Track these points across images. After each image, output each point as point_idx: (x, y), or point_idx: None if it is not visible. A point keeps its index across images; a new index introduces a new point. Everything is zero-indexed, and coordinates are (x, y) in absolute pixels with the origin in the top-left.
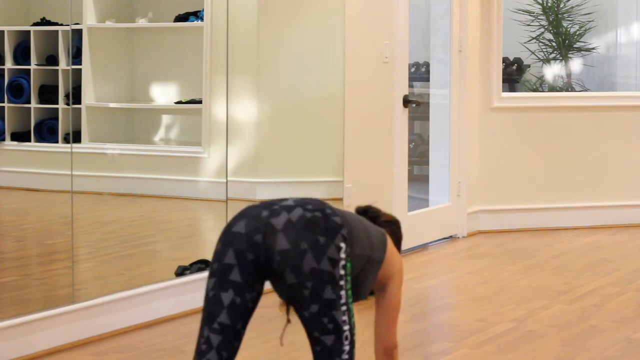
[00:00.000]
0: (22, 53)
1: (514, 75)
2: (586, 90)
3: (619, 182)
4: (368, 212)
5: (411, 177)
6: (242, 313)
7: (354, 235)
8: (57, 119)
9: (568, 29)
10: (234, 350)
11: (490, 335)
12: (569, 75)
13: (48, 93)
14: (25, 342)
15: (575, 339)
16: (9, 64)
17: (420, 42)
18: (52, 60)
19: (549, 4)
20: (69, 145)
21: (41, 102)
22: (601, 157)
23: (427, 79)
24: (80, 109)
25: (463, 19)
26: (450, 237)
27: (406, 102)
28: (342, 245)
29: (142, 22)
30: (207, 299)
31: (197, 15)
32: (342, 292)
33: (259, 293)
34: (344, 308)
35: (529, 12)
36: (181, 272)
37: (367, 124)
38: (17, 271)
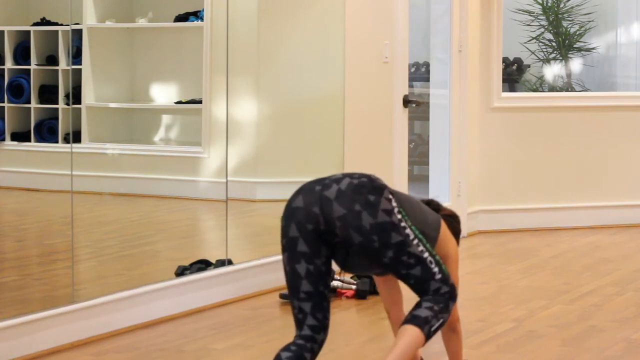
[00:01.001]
0: (22, 53)
1: (514, 75)
2: (586, 90)
3: (619, 182)
4: (431, 204)
5: (411, 177)
6: (319, 277)
7: (406, 208)
8: (57, 119)
9: (568, 29)
10: (326, 310)
11: (490, 335)
12: (569, 75)
13: (48, 93)
14: (25, 342)
15: (575, 339)
16: (9, 64)
17: (420, 42)
18: (52, 60)
19: (549, 4)
20: (69, 145)
21: (41, 102)
22: (601, 157)
23: (427, 79)
24: (80, 109)
25: (463, 19)
26: None
27: (406, 102)
28: (390, 197)
29: (142, 22)
30: (286, 273)
31: (197, 15)
32: (408, 231)
33: (327, 257)
34: (415, 242)
35: (529, 12)
36: (181, 272)
37: (367, 124)
38: (17, 271)
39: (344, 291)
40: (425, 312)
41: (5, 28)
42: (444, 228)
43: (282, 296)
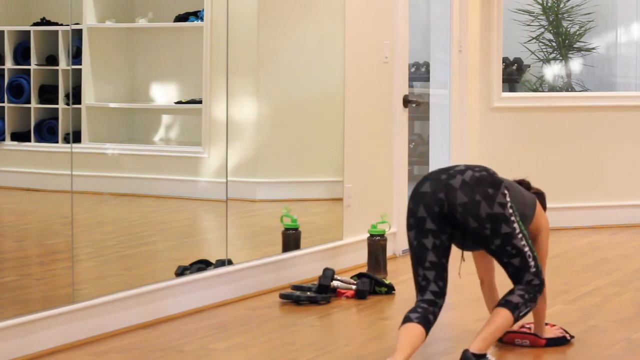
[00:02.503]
0: (22, 53)
1: (514, 75)
2: (586, 90)
3: (619, 182)
4: (523, 184)
5: (411, 177)
6: (443, 251)
7: (512, 194)
8: (57, 119)
9: (568, 29)
10: (445, 279)
11: None
12: (569, 75)
13: (48, 93)
14: (25, 342)
15: (575, 339)
16: (9, 64)
17: (420, 42)
18: (52, 60)
19: (549, 4)
20: (69, 145)
21: (41, 102)
22: (601, 157)
23: (427, 79)
24: (80, 109)
25: (463, 19)
26: None
27: (406, 102)
28: (505, 191)
29: (142, 22)
30: (413, 247)
31: (197, 15)
32: (515, 225)
33: (450, 234)
34: (520, 236)
35: (529, 12)
36: (181, 272)
37: (367, 124)
38: (17, 271)
39: (344, 291)
40: (517, 298)
41: (5, 28)
42: (538, 206)
43: (282, 296)
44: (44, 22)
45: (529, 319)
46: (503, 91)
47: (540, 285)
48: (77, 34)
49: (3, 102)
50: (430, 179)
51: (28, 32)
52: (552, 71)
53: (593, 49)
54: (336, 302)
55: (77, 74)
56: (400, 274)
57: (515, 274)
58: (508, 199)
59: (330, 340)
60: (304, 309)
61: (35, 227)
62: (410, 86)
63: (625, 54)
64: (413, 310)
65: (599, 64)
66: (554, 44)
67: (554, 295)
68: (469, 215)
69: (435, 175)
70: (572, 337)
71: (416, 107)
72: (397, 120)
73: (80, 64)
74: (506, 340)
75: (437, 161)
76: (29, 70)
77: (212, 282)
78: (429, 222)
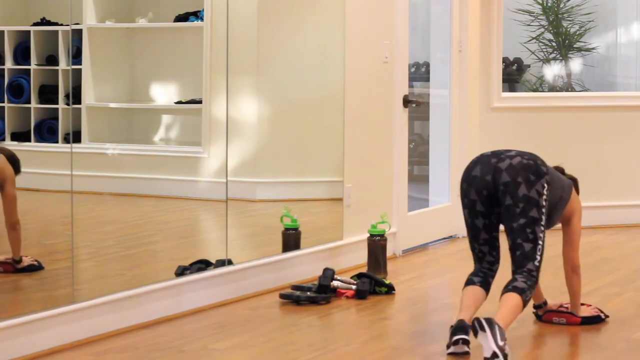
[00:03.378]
0: (22, 53)
1: (514, 75)
2: (586, 90)
3: (619, 182)
4: (558, 169)
5: (411, 177)
6: (493, 227)
7: (554, 180)
8: (57, 119)
9: (568, 29)
10: (498, 249)
11: None
12: (569, 75)
13: (48, 93)
14: (25, 342)
15: (575, 339)
16: (9, 64)
17: (420, 42)
18: (52, 60)
19: (549, 4)
20: (69, 145)
21: (41, 102)
22: (601, 157)
23: (427, 79)
24: (80, 109)
25: (463, 19)
26: (450, 237)
27: (406, 102)
28: (545, 184)
29: (142, 22)
30: (468, 224)
31: (197, 15)
32: (543, 216)
33: (498, 213)
34: (542, 227)
35: (529, 12)
36: (181, 272)
37: (367, 124)
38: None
39: (344, 291)
40: (522, 284)
41: (5, 28)
42: (573, 190)
43: (282, 296)
44: (44, 22)
45: (566, 299)
46: (503, 91)
47: (536, 279)
48: (77, 34)
49: (3, 102)
50: (480, 162)
51: (28, 32)
52: (552, 71)
53: (593, 49)
54: (336, 302)
55: (77, 74)
56: (400, 274)
57: (520, 259)
58: (546, 191)
59: (330, 340)
60: (304, 309)
61: (35, 227)
62: (410, 86)
63: (625, 54)
64: (475, 274)
65: (599, 64)
66: (554, 44)
67: (554, 295)
68: (507, 193)
69: (486, 159)
70: (607, 316)
71: (416, 107)
72: (397, 120)
73: (80, 64)
74: (545, 319)
75: (437, 161)
76: (29, 70)
77: (212, 282)
78: (479, 204)
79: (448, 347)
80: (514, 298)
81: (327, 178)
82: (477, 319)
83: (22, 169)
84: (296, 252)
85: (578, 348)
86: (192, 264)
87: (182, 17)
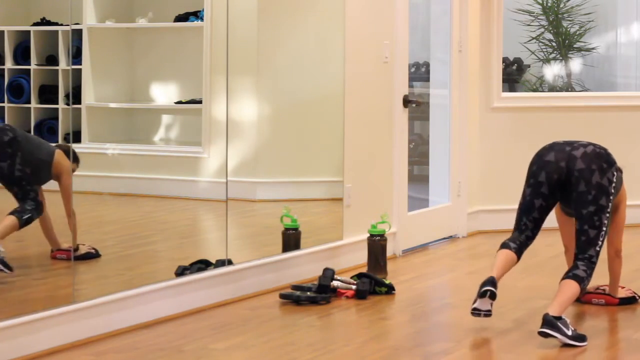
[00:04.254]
0: (22, 53)
1: (514, 75)
2: (586, 90)
3: None
4: None
5: (411, 177)
6: (546, 211)
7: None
8: (57, 119)
9: (568, 29)
10: (539, 229)
11: (490, 335)
12: (569, 75)
13: (48, 93)
14: (25, 342)
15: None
16: (9, 64)
17: (420, 42)
18: (52, 60)
19: (549, 4)
20: (68, 145)
21: (41, 102)
22: None
23: (427, 79)
24: (80, 109)
25: (463, 19)
26: (450, 237)
27: (406, 102)
28: (615, 173)
29: (142, 22)
30: (525, 199)
31: (197, 15)
32: (610, 203)
33: (554, 200)
34: (607, 215)
35: (529, 12)
36: (181, 272)
37: (367, 124)
38: (17, 271)
39: (344, 291)
40: (582, 273)
41: (5, 28)
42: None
43: (282, 296)
44: (44, 22)
45: (605, 281)
46: (503, 91)
47: (593, 269)
48: (77, 34)
49: (3, 102)
50: (555, 150)
51: (28, 32)
52: (552, 71)
53: (593, 49)
54: (336, 302)
55: (77, 74)
56: (400, 274)
57: (585, 244)
58: (615, 180)
59: (330, 340)
60: (304, 309)
61: (36, 227)
62: (410, 86)
63: (625, 54)
64: (512, 240)
65: (599, 64)
66: (554, 44)
67: (554, 295)
68: (582, 179)
69: (560, 146)
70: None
71: (416, 107)
72: (397, 120)
73: (80, 64)
74: (584, 300)
75: (437, 161)
76: (29, 70)
77: (212, 282)
78: (545, 187)
79: (474, 301)
80: (573, 287)
81: (327, 178)
82: (542, 331)
83: None
84: (296, 252)
85: (578, 348)
86: (192, 264)
87: (182, 17)
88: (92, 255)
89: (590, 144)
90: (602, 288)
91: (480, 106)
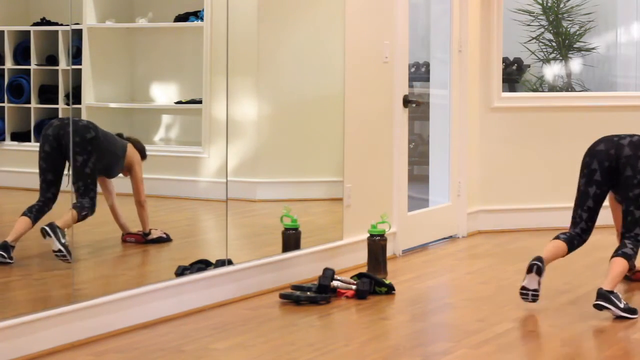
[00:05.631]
0: (22, 53)
1: (514, 75)
2: (586, 90)
3: None
4: None
5: (411, 177)
6: (600, 199)
7: None
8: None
9: (568, 29)
10: (594, 222)
11: (490, 335)
12: (569, 75)
13: (48, 93)
14: (25, 342)
15: (575, 339)
16: (9, 64)
17: (420, 42)
18: (52, 60)
19: (549, 4)
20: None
21: (41, 102)
22: None
23: (427, 79)
24: (80, 109)
25: (463, 19)
26: (450, 237)
27: (406, 102)
28: None
29: (142, 22)
30: (580, 191)
31: (197, 15)
32: None
33: (607, 188)
34: None
35: (529, 12)
36: (181, 272)
37: (367, 124)
38: (17, 271)
39: (344, 291)
40: (630, 251)
41: (5, 28)
42: None
43: (282, 296)
44: (44, 22)
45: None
46: (503, 91)
47: (639, 246)
48: (77, 34)
49: (3, 102)
50: (604, 141)
51: (28, 32)
52: (552, 71)
53: (593, 49)
54: (336, 302)
55: (77, 74)
56: (400, 274)
57: (631, 224)
58: None
59: (330, 340)
60: (304, 309)
61: (36, 227)
62: (410, 86)
63: (625, 54)
64: (564, 233)
65: (599, 64)
66: (554, 44)
67: (554, 295)
68: (628, 165)
69: (609, 138)
70: None
71: (416, 107)
72: (397, 120)
73: (80, 64)
74: (635, 278)
75: (437, 161)
76: (29, 70)
77: (212, 282)
78: (598, 174)
79: (524, 279)
80: (622, 263)
81: (327, 178)
82: (597, 304)
83: (22, 169)
84: (296, 252)
85: (578, 348)
86: (192, 264)
87: (182, 17)
88: (164, 239)
89: (636, 134)
90: None
91: (480, 106)
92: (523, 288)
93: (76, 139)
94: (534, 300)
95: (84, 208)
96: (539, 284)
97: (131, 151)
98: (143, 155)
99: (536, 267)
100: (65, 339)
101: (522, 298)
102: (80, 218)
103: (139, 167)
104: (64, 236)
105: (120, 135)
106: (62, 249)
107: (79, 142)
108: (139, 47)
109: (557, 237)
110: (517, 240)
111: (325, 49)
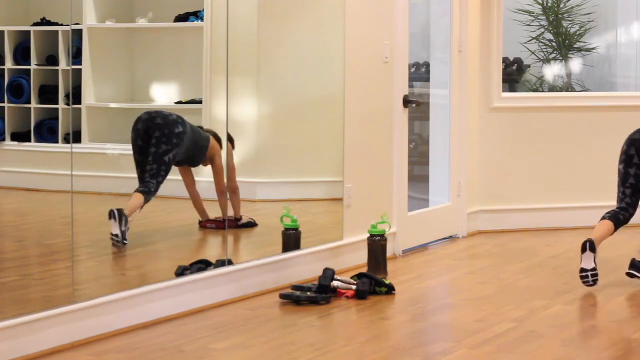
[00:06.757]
0: (22, 53)
1: (514, 75)
2: (586, 90)
3: None
4: None
5: (411, 177)
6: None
7: None
8: (57, 119)
9: (568, 29)
10: (637, 197)
11: (490, 335)
12: (569, 75)
13: (48, 93)
14: (25, 342)
15: (575, 339)
16: (9, 64)
17: (420, 42)
18: (52, 60)
19: (549, 4)
20: (69, 145)
21: (41, 102)
22: (601, 157)
23: (427, 79)
24: (80, 109)
25: (463, 19)
26: (450, 237)
27: (406, 102)
28: None
29: (142, 22)
30: (621, 173)
31: (197, 15)
32: None
33: None
34: None
35: (529, 12)
36: (181, 272)
37: (367, 124)
38: (17, 271)
39: (344, 291)
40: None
41: (5, 28)
42: None
43: (282, 296)
44: (44, 22)
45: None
46: (503, 91)
47: None
48: (77, 34)
49: (3, 102)
50: (636, 130)
51: (28, 32)
52: (552, 71)
53: (593, 49)
54: (336, 302)
55: (77, 74)
56: (400, 274)
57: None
58: None
59: (330, 340)
60: (304, 309)
61: (36, 227)
62: (410, 86)
63: (625, 54)
64: (608, 212)
65: (599, 64)
66: (554, 44)
67: (554, 295)
68: None
69: (638, 129)
70: None
71: (416, 107)
72: (397, 120)
73: (80, 64)
74: None
75: (437, 161)
76: (29, 70)
77: (212, 282)
78: (636, 158)
79: (581, 261)
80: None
81: (327, 178)
82: (629, 272)
83: (22, 169)
84: (296, 252)
85: (578, 348)
86: (192, 264)
87: (182, 17)
88: (252, 224)
89: None
90: None
91: (480, 106)
92: (582, 270)
93: (165, 131)
94: (595, 282)
95: (150, 192)
96: (595, 262)
97: (213, 143)
98: (221, 146)
99: (589, 243)
100: (66, 339)
101: (583, 282)
102: (145, 202)
103: (219, 157)
104: (126, 223)
105: (200, 127)
106: (119, 234)
107: (167, 134)
108: (139, 47)
109: (602, 218)
110: (517, 240)
111: (325, 49)
